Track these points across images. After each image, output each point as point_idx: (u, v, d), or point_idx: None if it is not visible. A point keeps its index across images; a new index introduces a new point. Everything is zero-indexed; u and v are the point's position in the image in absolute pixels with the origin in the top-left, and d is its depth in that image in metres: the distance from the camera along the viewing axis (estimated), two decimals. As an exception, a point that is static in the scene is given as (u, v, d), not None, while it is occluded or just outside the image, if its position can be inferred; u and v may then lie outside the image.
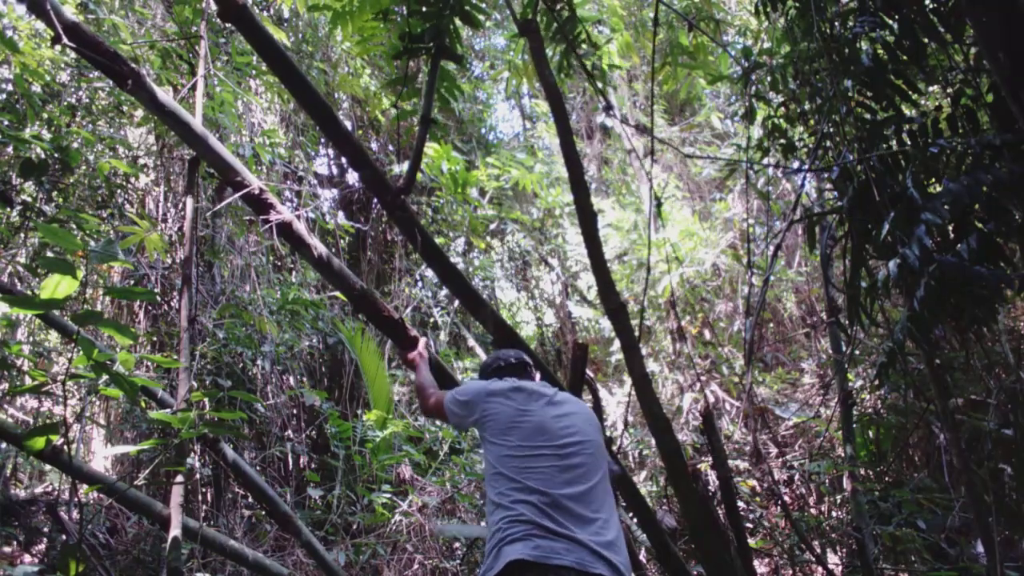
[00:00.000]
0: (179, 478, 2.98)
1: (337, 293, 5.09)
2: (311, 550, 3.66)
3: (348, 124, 8.77)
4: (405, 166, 4.59)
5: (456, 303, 7.97)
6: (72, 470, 2.89)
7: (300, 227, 2.85)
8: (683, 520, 5.32)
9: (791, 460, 6.70)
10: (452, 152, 6.65)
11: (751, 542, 4.24)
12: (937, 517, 4.59)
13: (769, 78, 3.85)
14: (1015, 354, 4.34)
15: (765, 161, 3.90)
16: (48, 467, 6.14)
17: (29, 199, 4.95)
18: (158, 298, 5.92)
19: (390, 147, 9.10)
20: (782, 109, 3.80)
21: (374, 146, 9.19)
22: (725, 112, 8.98)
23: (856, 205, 3.02)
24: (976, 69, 3.03)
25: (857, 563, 4.35)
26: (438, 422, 2.47)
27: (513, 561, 1.91)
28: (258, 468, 6.00)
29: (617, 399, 8.07)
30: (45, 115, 4.76)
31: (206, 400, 3.51)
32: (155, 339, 6.05)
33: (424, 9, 3.18)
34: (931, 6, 3.00)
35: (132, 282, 5.82)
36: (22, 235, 4.93)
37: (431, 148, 6.29)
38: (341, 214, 9.11)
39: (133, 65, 2.63)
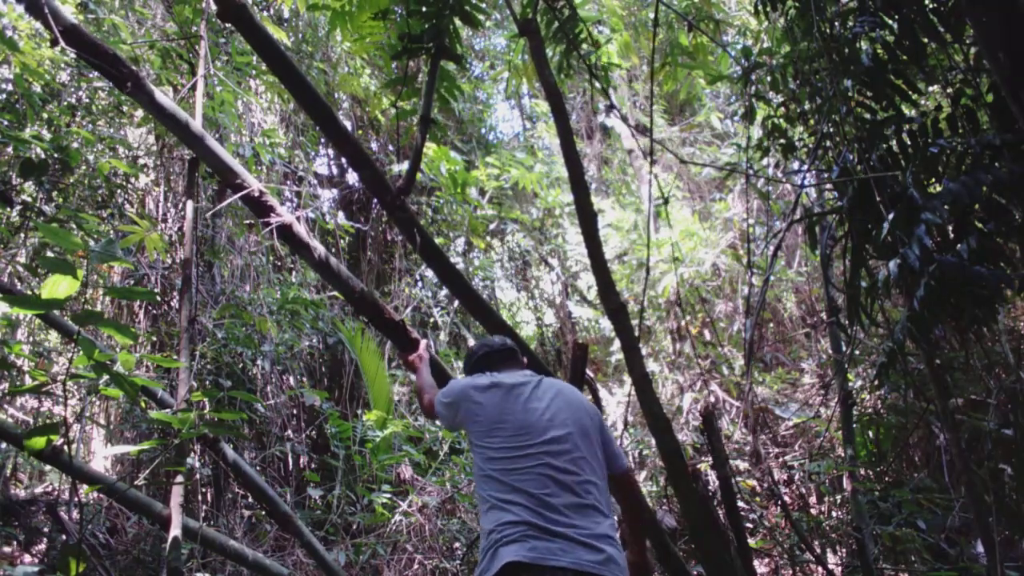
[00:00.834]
0: (179, 478, 2.98)
1: (337, 293, 5.10)
2: (311, 550, 3.66)
3: (348, 124, 8.77)
4: (405, 166, 4.59)
5: (456, 303, 7.97)
6: (72, 470, 2.89)
7: (300, 229, 2.85)
8: (683, 520, 5.32)
9: (791, 460, 6.70)
10: (451, 153, 6.65)
11: (751, 542, 4.24)
12: (937, 517, 4.59)
13: (769, 78, 3.85)
14: (1015, 354, 4.34)
15: (765, 161, 3.90)
16: (48, 467, 6.14)
17: (29, 199, 4.95)
18: (158, 298, 5.92)
19: (390, 147, 9.10)
20: (782, 109, 3.80)
21: (374, 146, 9.19)
22: (725, 112, 8.98)
23: (856, 205, 3.02)
24: (976, 69, 3.03)
25: (857, 563, 4.35)
26: (438, 422, 2.48)
27: (509, 563, 1.90)
28: (258, 468, 6.00)
29: (617, 399, 8.07)
30: (45, 115, 4.76)
31: (206, 400, 3.52)
32: (155, 339, 6.05)
33: (424, 9, 3.18)
34: (931, 6, 3.00)
35: (132, 282, 5.82)
36: (22, 235, 4.93)
37: (430, 148, 6.29)
38: (341, 214, 9.11)
39: (132, 67, 2.63)
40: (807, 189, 4.00)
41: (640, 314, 4.09)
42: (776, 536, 5.26)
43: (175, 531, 2.87)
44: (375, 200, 8.18)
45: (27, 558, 4.79)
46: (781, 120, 3.80)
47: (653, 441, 4.89)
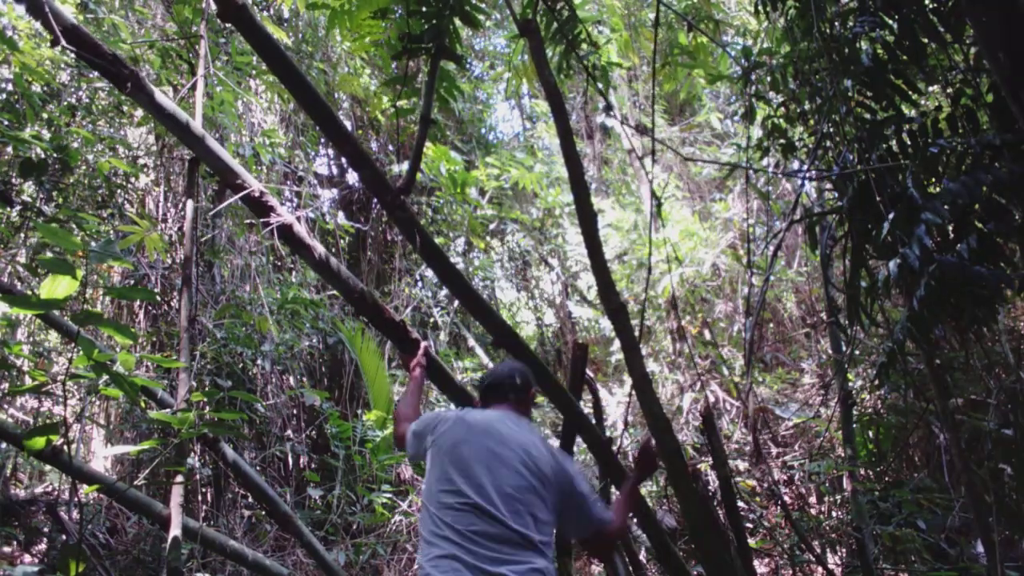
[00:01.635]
0: (179, 478, 2.98)
1: (337, 293, 5.11)
2: (311, 550, 3.66)
3: (348, 124, 8.77)
4: (405, 166, 4.60)
5: (456, 303, 7.97)
6: (72, 470, 2.89)
7: (300, 229, 2.85)
8: (683, 520, 5.32)
9: (791, 460, 6.70)
10: (451, 153, 6.65)
11: (751, 542, 4.24)
12: (937, 517, 4.59)
13: (769, 78, 3.85)
14: (1015, 354, 4.34)
15: (765, 161, 3.90)
16: (48, 467, 6.14)
17: (29, 199, 4.95)
18: (158, 298, 5.92)
19: (390, 147, 9.10)
20: (782, 109, 3.79)
21: (374, 146, 9.19)
22: (725, 112, 8.98)
23: (856, 205, 3.02)
24: (976, 69, 3.02)
25: (857, 563, 4.35)
26: (403, 452, 2.49)
27: None
28: (258, 468, 6.00)
29: (617, 399, 8.06)
30: (45, 115, 4.76)
31: (206, 400, 3.52)
32: (155, 339, 6.05)
33: (424, 9, 3.18)
34: (931, 6, 3.00)
35: (132, 282, 5.82)
36: (22, 235, 4.93)
37: (430, 148, 6.29)
38: (341, 214, 9.11)
39: (132, 67, 2.62)
40: (807, 189, 4.00)
41: (640, 314, 4.09)
42: (776, 536, 5.26)
43: (175, 531, 2.87)
44: (375, 200, 8.18)
45: (27, 558, 4.79)
46: (781, 120, 3.80)
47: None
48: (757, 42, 4.72)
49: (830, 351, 5.36)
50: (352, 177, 9.37)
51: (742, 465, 6.52)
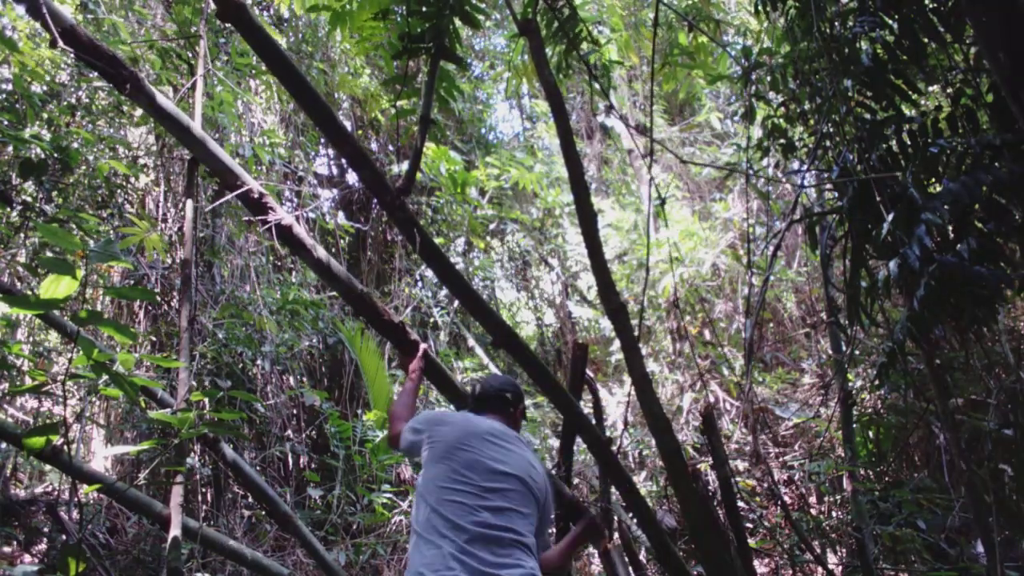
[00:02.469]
0: (179, 478, 2.98)
1: (337, 293, 5.11)
2: (311, 550, 3.65)
3: (348, 124, 8.77)
4: (405, 166, 4.59)
5: (456, 303, 7.97)
6: (72, 470, 2.89)
7: (300, 230, 2.85)
8: (683, 520, 5.32)
9: (791, 460, 6.70)
10: (451, 153, 6.64)
11: (751, 542, 4.24)
12: (937, 517, 4.59)
13: (769, 78, 3.85)
14: (1015, 354, 4.34)
15: (765, 161, 3.90)
16: (48, 467, 6.14)
17: (29, 199, 4.94)
18: (158, 298, 5.92)
19: (390, 147, 9.10)
20: (782, 109, 3.79)
21: (374, 146, 9.19)
22: (725, 112, 8.98)
23: (856, 205, 3.01)
24: (976, 69, 3.03)
25: (857, 563, 4.35)
26: (397, 450, 2.50)
27: None
28: (258, 468, 6.00)
29: (617, 399, 8.07)
30: (45, 115, 4.76)
31: (206, 400, 3.52)
32: (155, 339, 6.05)
33: (424, 9, 3.18)
34: (931, 6, 3.00)
35: (132, 282, 5.82)
36: (22, 235, 4.93)
37: (430, 148, 6.29)
38: (341, 214, 9.11)
39: (132, 69, 2.62)
40: (807, 189, 4.00)
41: (640, 314, 4.08)
42: (776, 536, 5.26)
43: (175, 531, 2.87)
44: (375, 200, 8.18)
45: (27, 558, 4.79)
46: (781, 120, 3.80)
47: (653, 441, 4.90)
48: (757, 42, 4.72)
49: (830, 351, 5.35)
50: (352, 177, 9.37)
51: (742, 465, 6.52)
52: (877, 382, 3.37)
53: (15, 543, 4.88)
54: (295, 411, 6.80)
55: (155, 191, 6.22)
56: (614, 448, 3.33)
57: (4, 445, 4.75)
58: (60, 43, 2.43)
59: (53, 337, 6.27)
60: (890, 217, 2.66)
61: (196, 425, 2.57)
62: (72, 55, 2.51)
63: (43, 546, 4.92)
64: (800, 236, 7.47)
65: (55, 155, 4.21)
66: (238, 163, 2.95)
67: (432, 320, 8.18)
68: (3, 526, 4.83)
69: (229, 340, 5.57)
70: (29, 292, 4.24)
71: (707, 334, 7.83)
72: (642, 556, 4.80)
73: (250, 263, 6.37)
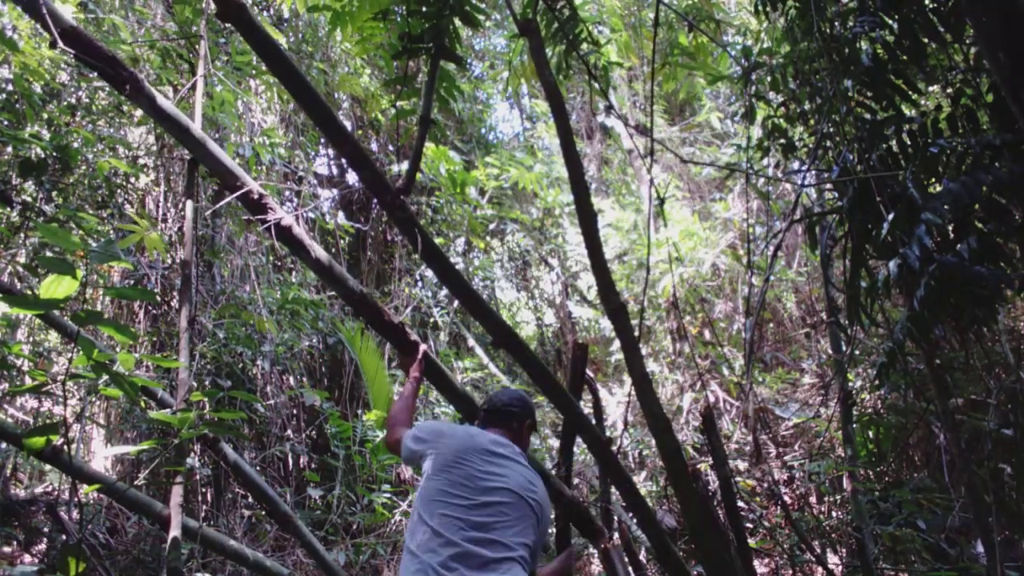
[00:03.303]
0: (179, 478, 2.98)
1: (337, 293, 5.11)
2: (311, 550, 3.65)
3: (348, 124, 8.77)
4: (405, 166, 4.59)
5: (456, 303, 7.97)
6: (72, 470, 2.89)
7: (300, 231, 2.84)
8: (683, 520, 5.32)
9: (791, 460, 6.70)
10: (451, 153, 6.64)
11: (751, 542, 4.24)
12: (937, 517, 4.59)
13: (769, 78, 3.85)
14: (1015, 354, 4.34)
15: (765, 161, 3.90)
16: (48, 467, 6.14)
17: (29, 199, 4.94)
18: (158, 298, 5.92)
19: (390, 147, 9.10)
20: (782, 109, 3.80)
21: (374, 146, 9.19)
22: (725, 112, 8.98)
23: (856, 205, 3.02)
24: (976, 69, 3.03)
25: (857, 563, 4.35)
26: (399, 455, 2.50)
27: None
28: (258, 468, 6.00)
29: (617, 399, 8.07)
30: (45, 115, 4.76)
31: (206, 400, 3.51)
32: (155, 339, 6.05)
33: (424, 9, 3.18)
34: (931, 6, 3.00)
35: (132, 282, 5.82)
36: (22, 235, 4.93)
37: (430, 148, 6.29)
38: (341, 214, 9.11)
39: (132, 70, 2.62)
40: (807, 189, 3.99)
41: (640, 314, 4.08)
42: (776, 536, 5.26)
43: (175, 531, 2.87)
44: (375, 200, 8.18)
45: (27, 558, 4.79)
46: (781, 120, 3.80)
47: (653, 441, 4.90)
48: (757, 42, 4.72)
49: (830, 351, 5.36)
50: (352, 177, 9.37)
51: (742, 465, 6.52)
52: (877, 382, 3.37)
53: (15, 543, 4.88)
54: (295, 411, 6.80)
55: (155, 191, 6.22)
56: (614, 448, 3.33)
57: (4, 445, 4.76)
58: (60, 44, 2.43)
59: (53, 337, 6.27)
60: (890, 217, 2.66)
61: (196, 425, 2.57)
62: (72, 55, 2.50)
63: (43, 546, 4.92)
64: (800, 236, 7.47)
65: (55, 155, 4.21)
66: (238, 163, 2.95)
67: (432, 320, 8.18)
68: (3, 526, 4.83)
69: (229, 340, 5.57)
70: (29, 292, 4.24)
71: (707, 334, 7.83)
72: (642, 556, 4.80)
73: (250, 263, 6.37)
